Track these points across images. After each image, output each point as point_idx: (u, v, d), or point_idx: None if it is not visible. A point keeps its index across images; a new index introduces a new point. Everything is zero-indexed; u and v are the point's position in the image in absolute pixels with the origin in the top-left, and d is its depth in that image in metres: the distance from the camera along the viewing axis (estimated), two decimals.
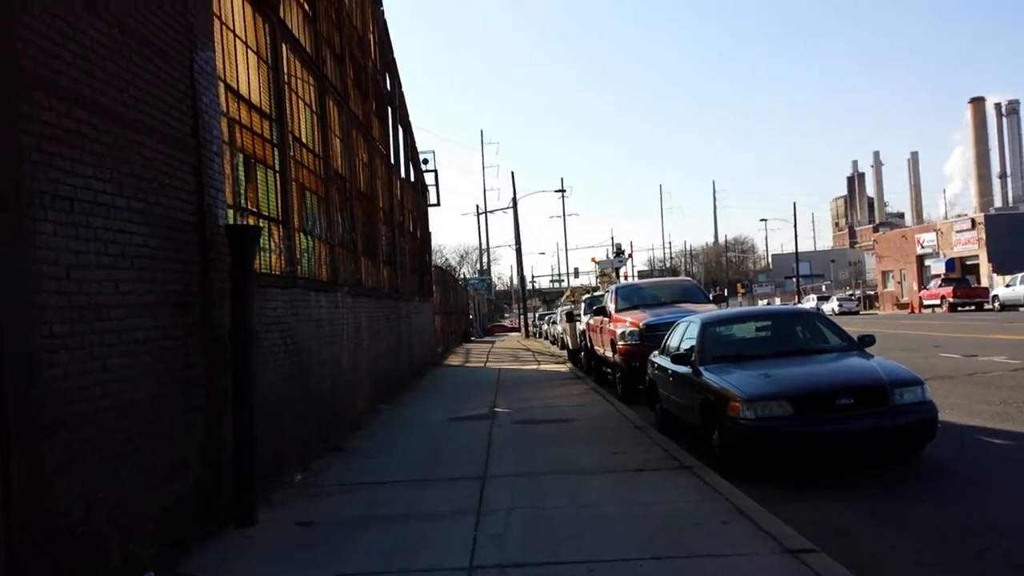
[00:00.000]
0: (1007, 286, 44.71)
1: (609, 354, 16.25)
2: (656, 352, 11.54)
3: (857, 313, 61.11)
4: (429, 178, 28.30)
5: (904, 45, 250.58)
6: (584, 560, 5.36)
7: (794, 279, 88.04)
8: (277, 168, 9.27)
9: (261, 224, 8.56)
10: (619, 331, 15.22)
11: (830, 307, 62.68)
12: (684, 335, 10.55)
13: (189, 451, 6.14)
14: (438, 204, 28.61)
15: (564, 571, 5.21)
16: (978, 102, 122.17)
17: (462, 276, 72.00)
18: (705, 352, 9.45)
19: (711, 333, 9.93)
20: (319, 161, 11.63)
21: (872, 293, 73.36)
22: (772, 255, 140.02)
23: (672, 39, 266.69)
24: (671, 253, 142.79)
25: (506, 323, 79.47)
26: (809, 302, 67.61)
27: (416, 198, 25.24)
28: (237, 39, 8.32)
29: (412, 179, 24.94)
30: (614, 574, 5.13)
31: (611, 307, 16.84)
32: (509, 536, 5.98)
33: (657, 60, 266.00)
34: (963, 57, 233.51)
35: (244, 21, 8.62)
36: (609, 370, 16.71)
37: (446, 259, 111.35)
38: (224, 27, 7.91)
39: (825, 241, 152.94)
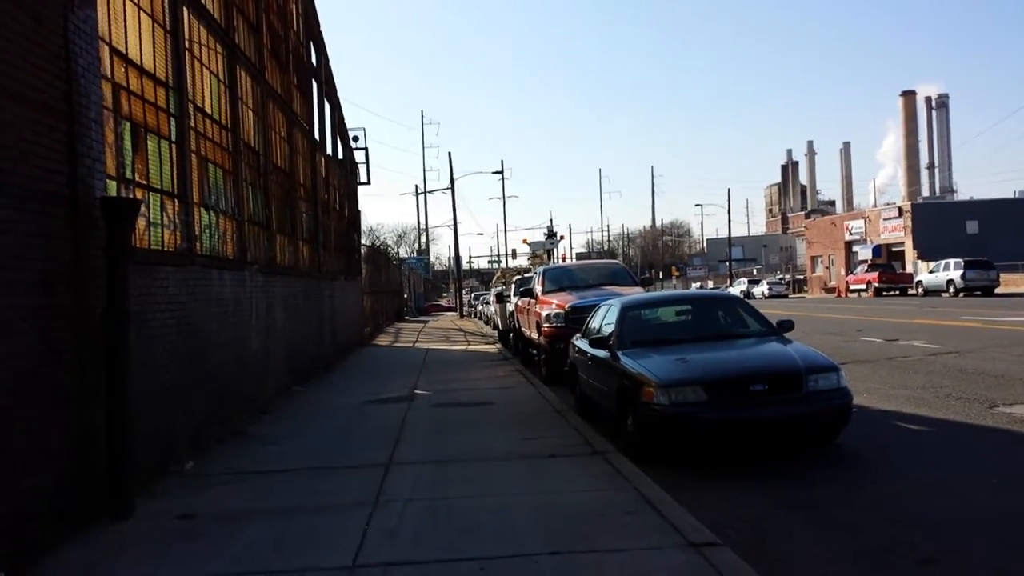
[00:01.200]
0: (931, 272, 45.94)
1: (535, 336, 16.01)
2: (578, 335, 11.31)
3: (786, 297, 62.31)
4: (360, 156, 27.59)
5: (840, 36, 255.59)
6: (479, 556, 5.05)
7: (727, 263, 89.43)
8: (173, 139, 8.68)
9: (153, 197, 8.00)
10: (544, 313, 14.98)
11: (760, 290, 63.85)
12: (604, 318, 10.32)
13: (53, 442, 5.63)
14: (368, 182, 27.89)
15: (454, 569, 4.89)
16: (909, 95, 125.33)
17: (397, 256, 71.10)
18: (623, 336, 9.23)
19: (631, 317, 9.71)
20: (227, 133, 11.02)
21: (801, 278, 74.89)
22: (707, 240, 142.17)
23: (614, 24, 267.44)
24: (609, 236, 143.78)
25: (443, 303, 78.86)
26: (740, 285, 68.67)
27: (344, 175, 24.56)
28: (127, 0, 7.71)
29: (340, 156, 24.25)
30: (508, 572, 4.83)
31: (538, 289, 16.58)
32: (403, 530, 5.63)
33: (599, 45, 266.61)
34: (897, 48, 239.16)
35: None
36: (535, 352, 16.47)
37: (383, 239, 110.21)
38: None
39: (759, 227, 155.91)
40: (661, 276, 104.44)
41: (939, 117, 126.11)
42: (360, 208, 27.98)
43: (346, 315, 21.93)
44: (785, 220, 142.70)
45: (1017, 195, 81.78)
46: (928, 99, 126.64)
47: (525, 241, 48.52)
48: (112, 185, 6.97)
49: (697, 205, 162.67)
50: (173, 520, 6.11)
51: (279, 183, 14.55)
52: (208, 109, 10.25)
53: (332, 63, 22.63)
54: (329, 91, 21.99)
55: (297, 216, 15.80)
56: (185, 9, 9.34)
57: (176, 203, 8.64)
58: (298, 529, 5.77)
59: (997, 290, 41.79)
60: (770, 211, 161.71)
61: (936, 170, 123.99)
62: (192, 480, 7.47)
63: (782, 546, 5.48)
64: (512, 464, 7.63)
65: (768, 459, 7.78)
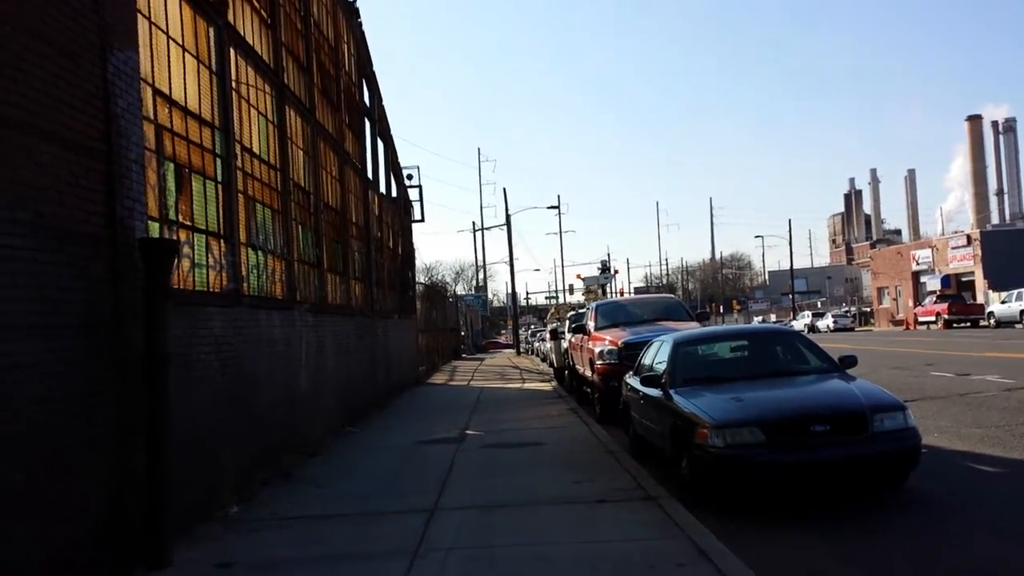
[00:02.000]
0: (1003, 302, 44.23)
1: (588, 373, 15.70)
2: (631, 373, 10.99)
3: (852, 330, 60.61)
4: (414, 194, 27.79)
5: (904, 60, 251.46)
6: None
7: (790, 295, 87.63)
8: (219, 179, 8.72)
9: (197, 238, 8.01)
10: (597, 350, 14.67)
11: (825, 323, 62.30)
12: (656, 355, 10.00)
13: (89, 488, 5.55)
14: (422, 220, 28.06)
15: None
16: (975, 120, 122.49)
17: (454, 293, 71.41)
18: (676, 373, 8.90)
19: (683, 353, 9.36)
20: (276, 173, 11.08)
21: (868, 310, 72.88)
22: (768, 272, 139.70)
23: (671, 56, 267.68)
24: (667, 270, 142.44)
25: (501, 339, 78.82)
26: (804, 319, 67.15)
27: (398, 213, 24.71)
28: (172, 41, 7.79)
29: (394, 194, 24.43)
30: None
31: (591, 325, 16.29)
32: None
33: (656, 77, 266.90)
34: (963, 72, 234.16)
35: (181, 22, 8.09)
36: (589, 390, 16.14)
37: (442, 276, 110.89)
38: (154, 27, 7.38)
39: (822, 258, 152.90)
40: (722, 310, 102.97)
41: (1007, 141, 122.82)
42: (415, 246, 28.15)
43: (400, 353, 21.90)
44: (849, 250, 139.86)
45: None
46: (995, 123, 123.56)
47: (579, 276, 48.35)
48: (155, 226, 6.98)
49: (757, 237, 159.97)
50: (211, 569, 5.97)
51: (330, 222, 14.62)
52: (256, 149, 10.31)
53: (386, 101, 22.91)
54: (382, 129, 22.21)
55: (349, 254, 15.85)
56: (232, 51, 9.44)
57: (222, 243, 8.65)
58: None
59: None
60: (833, 241, 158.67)
61: (1006, 196, 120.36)
62: (235, 525, 7.35)
63: None
64: (560, 509, 7.34)
65: (832, 505, 7.34)
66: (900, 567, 5.63)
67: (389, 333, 19.90)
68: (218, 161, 8.76)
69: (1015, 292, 42.82)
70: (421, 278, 76.50)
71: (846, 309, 73.29)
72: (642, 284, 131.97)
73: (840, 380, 8.33)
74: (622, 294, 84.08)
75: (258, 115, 10.61)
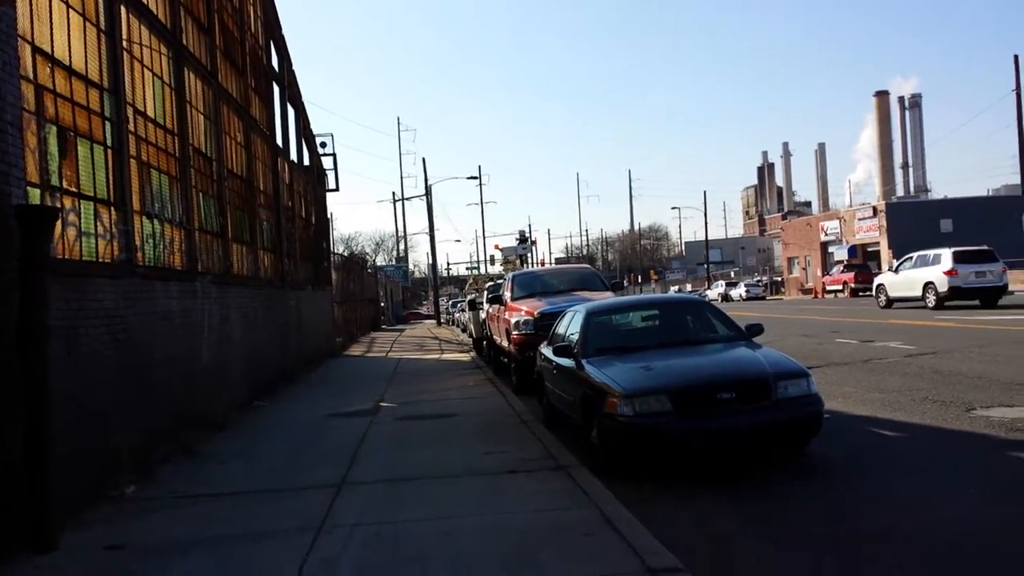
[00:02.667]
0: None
1: (505, 344, 15.62)
2: (545, 343, 10.94)
3: (764, 299, 62.33)
4: (328, 162, 27.10)
5: (814, 36, 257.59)
6: None
7: (705, 266, 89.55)
8: (109, 143, 8.23)
9: (85, 205, 7.55)
10: (513, 320, 14.59)
11: (738, 293, 63.95)
12: (569, 325, 9.96)
13: None
14: (337, 189, 27.41)
15: None
16: (883, 95, 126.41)
17: (374, 264, 70.53)
18: (588, 343, 8.87)
19: (595, 323, 9.35)
20: (173, 138, 10.57)
21: (779, 279, 75.02)
22: (685, 242, 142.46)
23: (591, 28, 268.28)
24: (588, 240, 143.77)
25: (423, 310, 78.36)
26: (718, 288, 68.78)
27: (311, 182, 24.09)
28: None
29: (307, 163, 23.79)
30: None
31: (507, 295, 16.20)
32: (343, 560, 5.22)
33: (575, 50, 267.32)
34: (872, 47, 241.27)
35: None
36: (506, 360, 16.09)
37: (361, 247, 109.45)
38: None
39: (736, 229, 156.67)
40: (640, 280, 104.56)
41: (912, 116, 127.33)
42: (330, 215, 27.52)
43: (315, 325, 21.45)
44: (762, 222, 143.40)
45: (990, 193, 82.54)
46: (901, 99, 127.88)
47: (497, 247, 48.14)
48: (35, 193, 6.54)
49: (674, 208, 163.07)
50: (100, 551, 5.67)
51: (236, 190, 14.10)
52: (151, 113, 9.80)
53: (302, 68, 22.22)
54: (293, 95, 21.54)
55: (257, 224, 15.34)
56: (123, 8, 8.91)
57: (113, 211, 8.19)
58: (235, 562, 5.35)
59: None
60: (747, 213, 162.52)
61: (911, 169, 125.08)
62: (130, 506, 7.02)
63: (747, 568, 5.12)
64: (469, 481, 7.24)
65: (738, 470, 7.44)
66: (800, 530, 5.72)
67: (302, 304, 19.44)
68: (107, 124, 8.26)
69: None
70: (340, 249, 75.30)
71: (758, 279, 75.27)
72: (563, 255, 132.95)
73: (746, 348, 8.43)
74: (542, 264, 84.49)
75: (153, 77, 10.08)
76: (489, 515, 6.11)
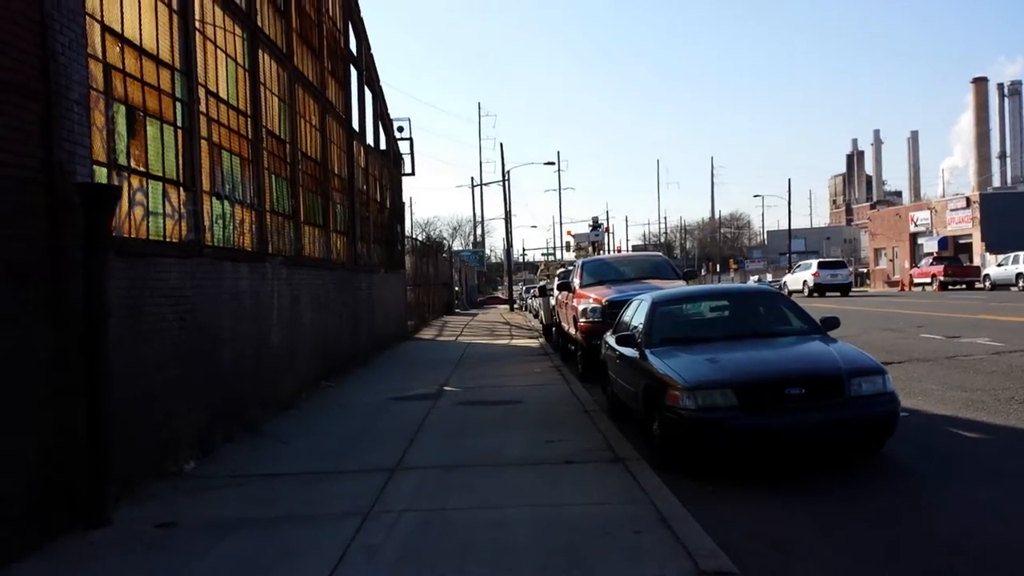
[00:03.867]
0: (999, 265, 43.88)
1: (572, 331, 15.45)
2: (610, 332, 10.72)
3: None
4: (404, 146, 27.26)
5: (909, 21, 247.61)
6: None
7: (787, 255, 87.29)
8: (180, 124, 8.34)
9: (153, 185, 7.67)
10: (581, 307, 14.40)
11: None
12: (635, 314, 9.72)
13: (26, 444, 5.30)
14: (412, 173, 27.55)
15: None
16: (980, 82, 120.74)
17: (449, 248, 70.98)
18: (652, 333, 8.63)
19: (661, 312, 9.09)
20: (246, 120, 10.69)
21: (864, 271, 72.57)
22: (767, 232, 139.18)
23: (674, 14, 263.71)
24: (667, 228, 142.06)
25: (498, 295, 78.67)
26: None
27: (387, 166, 24.26)
28: None
29: (383, 147, 23.96)
30: None
31: (576, 282, 16.00)
32: (386, 547, 5.16)
33: (659, 36, 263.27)
34: (969, 35, 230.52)
35: None
36: (574, 347, 15.91)
37: (439, 231, 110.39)
38: None
39: (822, 219, 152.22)
40: (719, 269, 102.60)
41: (1012, 104, 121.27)
42: (408, 200, 27.71)
43: (386, 308, 21.63)
44: (849, 211, 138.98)
45: None
46: (1000, 86, 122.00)
47: (569, 233, 47.70)
48: (102, 171, 6.65)
49: (756, 196, 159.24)
50: (151, 529, 5.74)
51: (309, 172, 14.24)
52: (223, 94, 9.91)
53: (382, 53, 22.51)
54: (370, 79, 21.67)
55: (330, 207, 15.48)
56: None
57: (181, 191, 8.31)
58: (278, 544, 5.34)
59: None
60: (834, 202, 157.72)
61: (1008, 159, 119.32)
62: (187, 483, 7.12)
63: (809, 573, 4.86)
64: (524, 471, 7.12)
65: (806, 470, 7.12)
66: (869, 539, 5.41)
67: (374, 288, 19.60)
68: (178, 105, 8.37)
69: (1012, 255, 42.46)
70: (417, 233, 76.10)
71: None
72: (640, 242, 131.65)
73: (820, 342, 8.06)
74: (619, 251, 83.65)
75: (227, 58, 10.19)
76: (540, 506, 5.97)
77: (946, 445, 7.88)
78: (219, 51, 9.85)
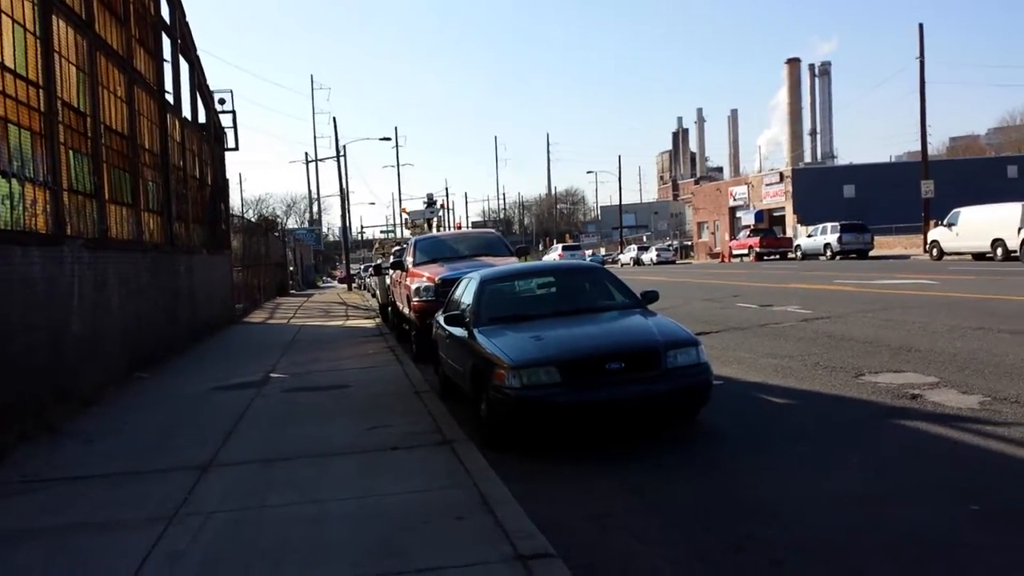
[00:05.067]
0: (809, 236, 47.26)
1: (406, 310, 15.22)
2: (441, 311, 10.60)
3: (674, 263, 63.29)
4: (227, 120, 25.87)
5: (730, 2, 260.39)
6: None
7: (619, 230, 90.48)
8: None
9: None
10: (414, 286, 14.19)
11: (649, 257, 64.76)
12: (464, 292, 9.63)
13: None
14: (236, 148, 26.18)
15: None
16: (794, 63, 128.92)
17: (282, 227, 68.67)
18: (481, 312, 8.56)
19: (490, 291, 9.03)
20: (37, 91, 9.71)
21: (689, 243, 76.32)
22: (601, 207, 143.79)
23: None
24: (505, 204, 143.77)
25: (337, 274, 76.98)
26: (630, 252, 69.57)
27: (207, 141, 22.97)
28: None
29: (202, 120, 22.65)
30: None
31: (409, 260, 15.76)
32: (190, 554, 4.80)
33: (495, 14, 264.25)
34: (786, 16, 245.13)
35: None
36: (408, 327, 15.69)
37: (272, 209, 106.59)
38: None
39: (651, 194, 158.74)
40: (555, 243, 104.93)
41: (822, 84, 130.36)
42: (230, 176, 26.40)
43: (210, 292, 20.57)
44: (675, 187, 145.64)
45: (893, 159, 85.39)
46: (811, 66, 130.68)
47: (405, 210, 47.03)
48: None
49: (590, 172, 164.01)
50: None
51: (115, 148, 13.20)
52: (9, 63, 8.94)
53: (205, 20, 21.11)
54: (185, 48, 20.37)
55: (140, 184, 14.44)
56: None
57: None
58: (69, 555, 4.88)
59: (872, 253, 43.33)
60: (661, 178, 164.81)
61: (818, 136, 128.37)
62: None
63: (624, 549, 4.92)
64: (347, 460, 6.88)
65: (627, 441, 7.30)
66: (683, 507, 5.57)
67: (195, 270, 18.56)
68: None
69: (820, 227, 45.83)
70: (249, 212, 72.97)
71: (669, 243, 76.43)
72: (479, 219, 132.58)
73: (640, 316, 8.25)
74: (459, 228, 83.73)
75: (13, 24, 9.19)
76: (364, 497, 5.77)
77: (757, 411, 8.29)
78: (3, 16, 8.86)
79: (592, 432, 7.34)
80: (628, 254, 69.62)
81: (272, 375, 12.35)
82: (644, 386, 6.99)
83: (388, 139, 65.56)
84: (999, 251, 30.71)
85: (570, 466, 6.72)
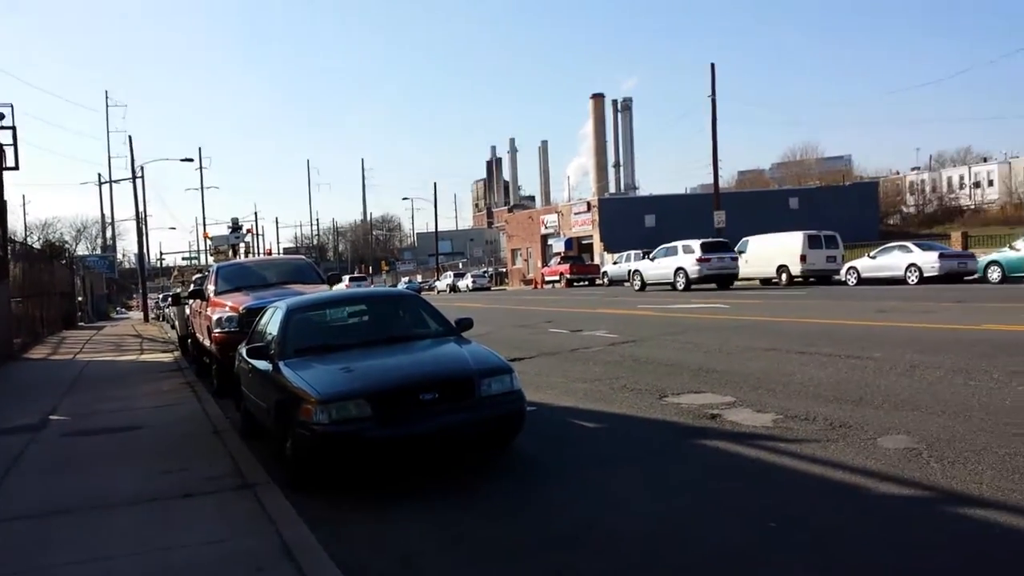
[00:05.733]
0: (615, 263, 49.43)
1: (207, 343, 14.32)
2: (244, 343, 10.00)
3: (489, 289, 64.23)
4: (6, 137, 23.56)
5: (542, 34, 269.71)
6: None
7: (435, 257, 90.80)
8: None
9: None
10: (215, 316, 13.35)
11: (465, 283, 65.40)
12: (270, 323, 9.13)
13: None
14: (16, 167, 23.89)
15: None
16: (598, 98, 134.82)
17: (70, 253, 63.46)
18: (287, 343, 8.12)
19: (297, 320, 8.59)
20: None
21: (503, 270, 77.77)
22: (417, 234, 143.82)
23: (322, 13, 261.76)
24: (319, 230, 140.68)
25: (133, 304, 72.05)
26: (447, 279, 69.98)
27: None
28: None
29: None
30: None
31: (211, 288, 14.86)
32: None
33: (305, 34, 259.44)
34: (592, 52, 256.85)
35: None
36: (209, 360, 14.77)
37: (60, 234, 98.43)
38: None
39: (467, 221, 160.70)
40: (372, 271, 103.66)
41: (624, 119, 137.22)
42: (7, 198, 23.96)
43: None
44: (490, 215, 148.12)
45: (688, 191, 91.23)
46: (615, 102, 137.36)
47: (207, 235, 44.82)
48: None
49: (405, 199, 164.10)
50: None
51: None
52: None
53: None
54: None
55: None
56: None
57: None
58: None
59: None
60: (476, 206, 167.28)
61: (621, 168, 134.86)
62: None
63: None
64: (134, 511, 6.27)
65: (442, 475, 7.12)
66: (495, 541, 5.44)
67: None
68: None
69: (625, 254, 48.07)
70: (32, 237, 66.90)
71: (484, 270, 77.52)
72: (291, 245, 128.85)
73: (454, 344, 8.12)
74: (269, 254, 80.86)
75: None
76: (152, 551, 5.26)
77: (570, 436, 8.37)
78: None
79: (405, 466, 7.11)
80: (444, 281, 69.99)
81: (52, 417, 11.19)
82: (459, 416, 6.85)
83: (191, 160, 61.93)
84: (784, 276, 33.41)
85: (380, 504, 6.45)
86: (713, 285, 32.84)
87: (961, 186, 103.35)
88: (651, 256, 36.07)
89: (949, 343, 11.80)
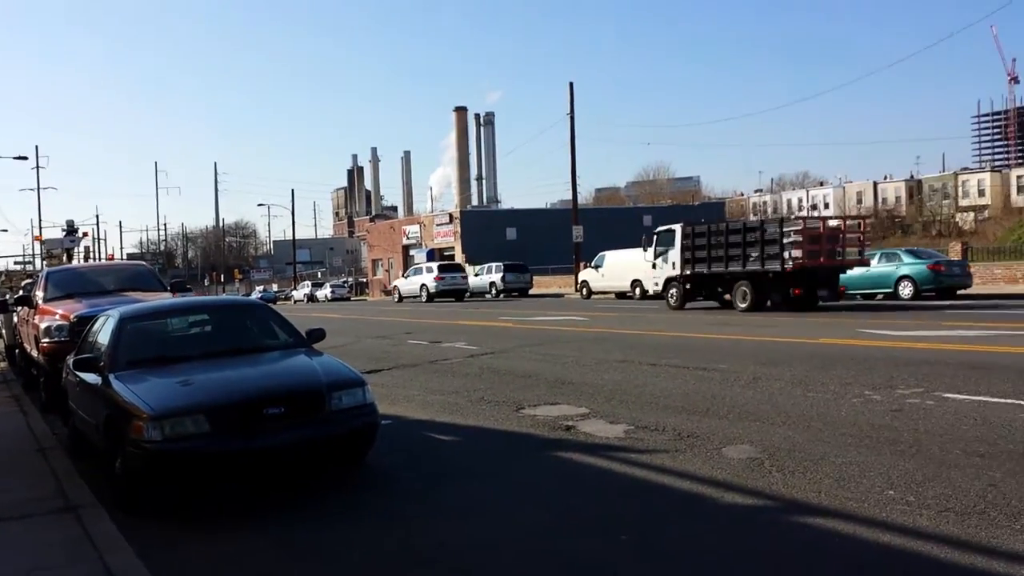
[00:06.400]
0: (476, 275, 49.52)
1: (35, 353, 13.23)
2: (73, 354, 9.25)
3: (349, 299, 63.15)
4: None
5: (405, 47, 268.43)
6: None
7: (293, 265, 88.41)
8: None
9: None
10: (44, 325, 12.34)
11: (324, 293, 63.99)
12: (100, 333, 8.48)
13: None
14: None
15: None
16: (461, 111, 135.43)
17: None
18: (119, 354, 7.53)
19: (130, 330, 7.99)
20: None
21: (364, 280, 76.63)
22: (274, 241, 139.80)
23: (173, 18, 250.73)
24: (167, 236, 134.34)
25: None
26: (304, 288, 68.32)
27: None
28: None
29: None
30: None
31: (39, 295, 13.74)
32: None
33: (160, 32, 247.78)
34: (460, 65, 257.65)
35: None
36: (37, 372, 13.65)
37: None
38: None
39: (327, 230, 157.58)
40: (223, 279, 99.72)
41: (486, 133, 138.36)
42: None
43: None
44: (351, 224, 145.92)
45: (549, 206, 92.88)
46: (477, 116, 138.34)
47: (39, 239, 41.82)
48: None
49: (261, 205, 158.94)
50: None
51: None
52: None
53: None
54: None
55: None
56: None
57: None
58: None
59: (531, 291, 46.43)
60: (337, 215, 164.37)
61: (484, 181, 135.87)
62: None
63: None
64: None
65: (290, 489, 6.79)
66: (347, 560, 5.19)
67: None
68: None
69: (486, 266, 48.28)
70: None
71: (344, 280, 76.16)
72: (136, 250, 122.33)
73: (304, 356, 7.78)
74: (111, 259, 76.20)
75: None
76: None
77: (426, 450, 8.18)
78: None
79: (251, 484, 6.72)
80: (302, 290, 68.26)
81: None
82: (307, 431, 6.54)
83: (25, 158, 57.38)
84: (637, 290, 34.40)
85: (220, 527, 6.05)
86: (453, 299, 42.52)
87: (800, 208, 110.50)
88: (405, 275, 46.73)
89: (788, 356, 12.40)
